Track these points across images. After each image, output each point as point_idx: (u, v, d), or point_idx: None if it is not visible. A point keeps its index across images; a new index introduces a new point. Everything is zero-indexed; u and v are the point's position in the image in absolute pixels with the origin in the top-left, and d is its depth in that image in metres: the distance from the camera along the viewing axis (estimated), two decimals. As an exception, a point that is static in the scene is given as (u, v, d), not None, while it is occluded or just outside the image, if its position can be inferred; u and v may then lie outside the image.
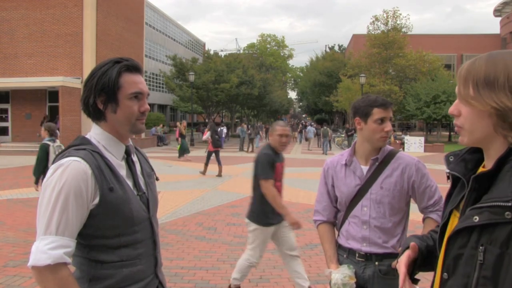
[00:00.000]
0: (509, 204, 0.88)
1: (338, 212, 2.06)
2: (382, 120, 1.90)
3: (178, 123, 20.09)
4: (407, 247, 1.21)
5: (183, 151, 16.82)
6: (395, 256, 1.88)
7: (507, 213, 0.88)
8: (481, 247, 0.91)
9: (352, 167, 1.97)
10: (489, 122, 0.93)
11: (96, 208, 1.26)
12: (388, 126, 1.91)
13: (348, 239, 1.96)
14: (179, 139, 17.53)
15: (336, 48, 65.77)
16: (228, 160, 17.15)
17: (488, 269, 0.90)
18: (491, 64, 0.93)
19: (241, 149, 22.42)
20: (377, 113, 1.90)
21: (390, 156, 1.95)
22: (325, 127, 22.97)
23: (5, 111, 22.41)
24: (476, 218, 0.93)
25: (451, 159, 1.10)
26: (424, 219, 1.99)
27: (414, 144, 22.99)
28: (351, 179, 1.96)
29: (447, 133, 33.40)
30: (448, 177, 1.10)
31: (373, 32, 32.09)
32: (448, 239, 1.02)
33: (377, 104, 1.91)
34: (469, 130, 0.97)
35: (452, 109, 1.01)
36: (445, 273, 1.02)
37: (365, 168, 1.95)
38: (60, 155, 1.29)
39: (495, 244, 0.89)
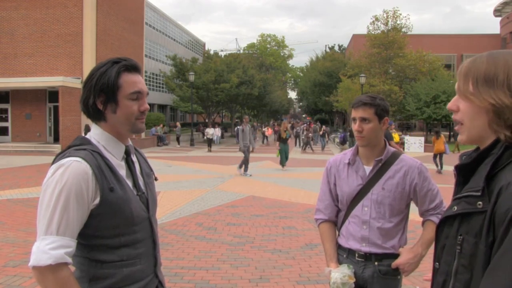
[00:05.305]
0: (479, 194, 0.91)
1: (339, 212, 2.06)
2: (354, 120, 1.94)
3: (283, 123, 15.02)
4: None
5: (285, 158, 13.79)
6: (394, 256, 1.88)
7: (478, 202, 0.91)
8: (459, 237, 0.95)
9: (355, 166, 1.97)
10: (485, 119, 0.95)
11: (96, 208, 1.26)
12: (355, 126, 1.92)
13: (348, 239, 1.96)
14: (278, 143, 13.99)
15: (336, 48, 65.71)
16: (228, 160, 17.16)
17: (465, 257, 0.93)
18: (492, 62, 0.95)
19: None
20: (352, 112, 1.96)
21: (393, 157, 1.95)
22: (316, 125, 28.88)
23: (5, 111, 22.41)
24: (455, 208, 0.98)
25: (463, 158, 1.14)
26: (424, 222, 1.98)
27: (414, 144, 22.96)
28: (353, 179, 1.96)
29: (448, 133, 33.37)
30: (455, 175, 1.12)
31: (373, 32, 32.07)
32: (436, 230, 1.07)
33: (352, 104, 1.96)
34: (468, 127, 0.99)
35: (450, 105, 1.03)
36: (436, 263, 1.06)
37: (367, 168, 1.95)
38: (60, 155, 1.29)
39: (471, 234, 0.93)
